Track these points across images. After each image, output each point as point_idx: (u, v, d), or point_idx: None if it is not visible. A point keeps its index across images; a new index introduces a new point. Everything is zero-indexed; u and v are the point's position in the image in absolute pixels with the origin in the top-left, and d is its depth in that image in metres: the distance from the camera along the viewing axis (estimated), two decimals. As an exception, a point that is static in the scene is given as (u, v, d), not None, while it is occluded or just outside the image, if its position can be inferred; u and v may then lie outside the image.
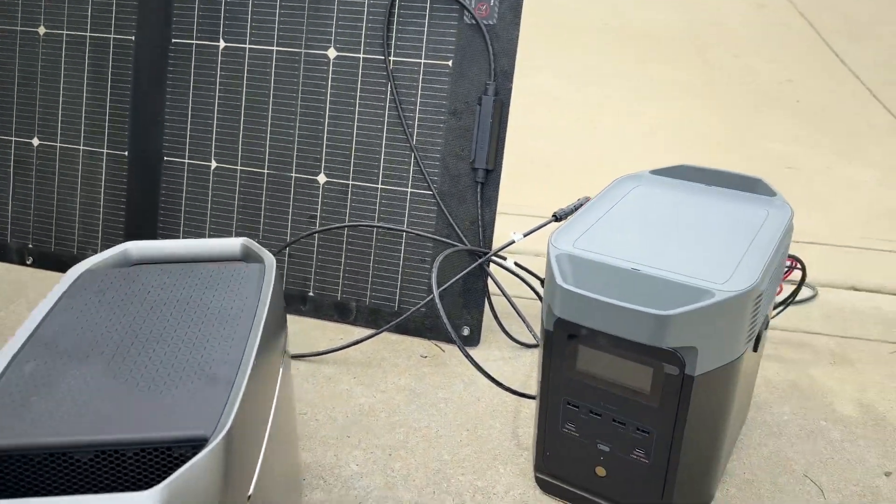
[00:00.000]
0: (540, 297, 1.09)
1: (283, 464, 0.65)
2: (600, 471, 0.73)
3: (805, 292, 1.16)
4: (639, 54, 2.63)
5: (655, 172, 0.86)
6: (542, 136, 1.87)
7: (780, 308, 1.06)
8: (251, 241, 0.70)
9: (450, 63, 1.00)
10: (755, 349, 0.72)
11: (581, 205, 1.03)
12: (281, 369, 0.64)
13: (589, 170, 1.66)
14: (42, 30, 1.14)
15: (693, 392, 0.64)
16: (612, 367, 0.67)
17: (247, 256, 0.70)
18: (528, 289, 1.08)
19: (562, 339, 0.69)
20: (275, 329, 0.62)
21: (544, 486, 0.78)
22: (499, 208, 1.44)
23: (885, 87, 2.30)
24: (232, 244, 0.70)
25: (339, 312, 1.07)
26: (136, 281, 0.62)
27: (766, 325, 0.75)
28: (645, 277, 0.64)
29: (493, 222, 1.01)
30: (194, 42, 1.08)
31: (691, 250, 0.68)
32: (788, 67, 2.48)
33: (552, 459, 0.76)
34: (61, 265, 1.16)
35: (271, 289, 0.62)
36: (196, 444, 0.46)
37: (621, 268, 0.65)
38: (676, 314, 0.59)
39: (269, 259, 0.67)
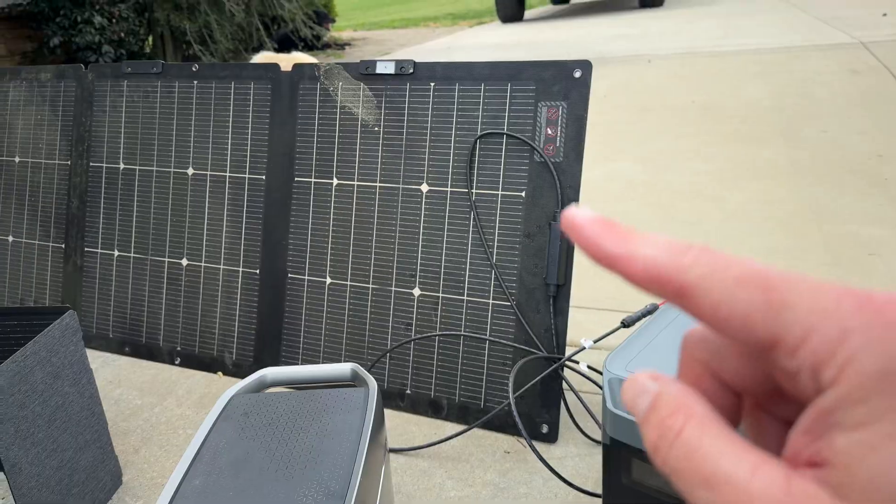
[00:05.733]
0: (613, 396, 1.20)
1: (384, 554, 0.80)
2: (657, 567, 0.82)
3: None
4: (723, 133, 2.70)
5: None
6: (624, 226, 1.98)
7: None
8: (358, 366, 0.87)
9: (523, 193, 1.16)
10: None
11: (649, 312, 1.15)
12: (382, 470, 0.80)
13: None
14: (191, 171, 1.40)
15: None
16: (662, 477, 0.78)
17: (355, 379, 0.87)
18: (600, 389, 1.19)
19: (618, 453, 0.81)
20: (377, 443, 0.77)
21: (610, 579, 0.88)
22: (580, 303, 1.57)
23: (984, 159, 2.25)
24: (343, 369, 0.87)
25: (433, 409, 1.22)
26: (271, 406, 0.80)
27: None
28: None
29: (566, 330, 1.14)
30: (313, 180, 1.30)
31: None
32: (878, 140, 2.48)
33: (615, 555, 0.86)
34: (204, 365, 1.39)
35: (373, 412, 0.78)
36: (319, 546, 0.61)
37: (663, 392, 0.77)
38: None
39: (373, 384, 0.83)
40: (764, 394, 0.22)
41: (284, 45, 6.77)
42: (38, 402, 0.95)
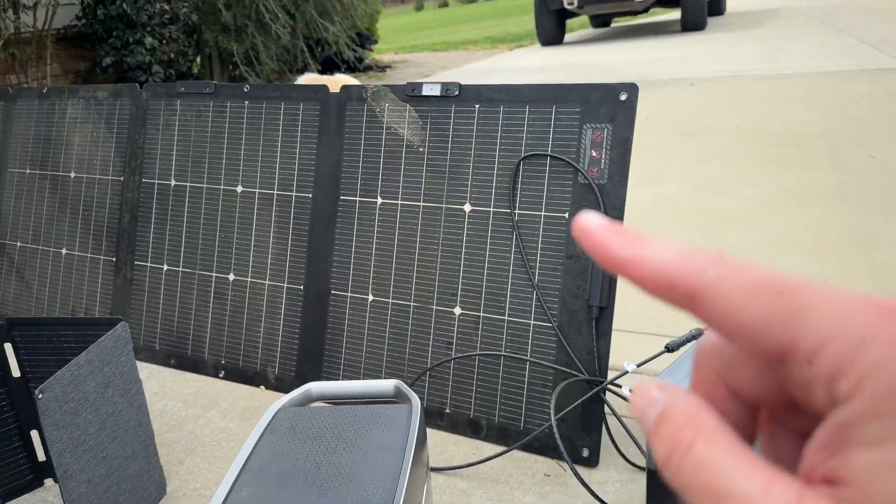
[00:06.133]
0: (655, 421, 1.19)
1: (425, 573, 0.80)
2: None
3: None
4: (768, 157, 2.67)
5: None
6: (666, 249, 1.96)
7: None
8: (401, 383, 0.88)
9: (566, 215, 1.16)
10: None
11: (694, 336, 1.14)
12: (424, 488, 0.80)
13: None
14: (240, 188, 1.44)
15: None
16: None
17: (398, 395, 0.88)
18: (644, 413, 1.18)
19: (663, 480, 0.80)
20: (419, 460, 0.78)
21: None
22: (623, 326, 1.56)
23: None
24: (387, 385, 0.88)
25: (472, 429, 1.22)
26: (316, 420, 0.81)
27: None
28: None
29: (608, 353, 1.13)
30: (357, 199, 1.32)
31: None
32: (932, 167, 2.42)
33: (658, 583, 0.85)
34: (247, 379, 1.41)
35: (417, 429, 0.78)
36: (363, 561, 0.62)
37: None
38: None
39: (416, 401, 0.84)
40: (779, 406, 0.21)
41: (328, 67, 6.89)
42: (89, 411, 0.97)
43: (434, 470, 1.14)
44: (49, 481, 1.21)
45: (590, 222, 0.22)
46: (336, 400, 0.91)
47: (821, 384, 0.18)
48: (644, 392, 0.21)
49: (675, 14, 8.67)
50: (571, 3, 6.94)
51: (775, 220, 2.09)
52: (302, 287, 1.36)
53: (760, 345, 0.19)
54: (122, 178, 1.58)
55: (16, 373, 1.16)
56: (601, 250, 0.21)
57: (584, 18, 9.11)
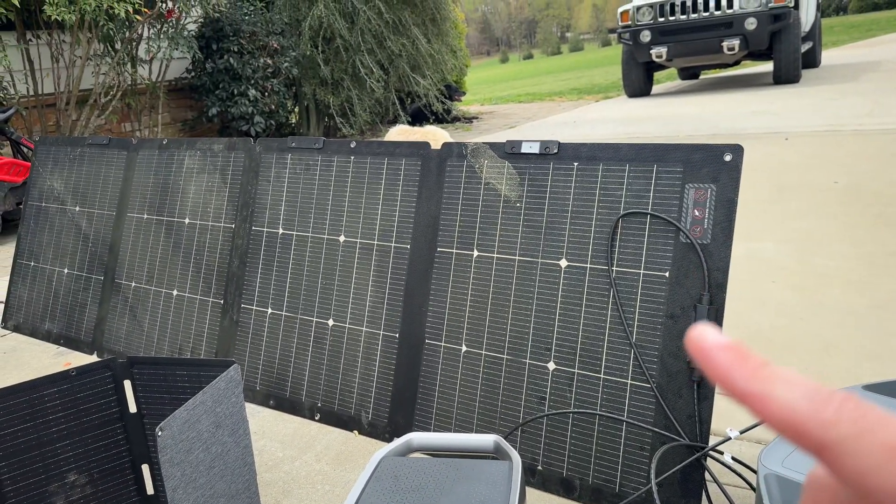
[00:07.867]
0: (753, 488, 1.14)
1: None
2: None
3: None
4: (869, 216, 2.55)
5: (868, 388, 0.92)
6: (765, 309, 1.90)
7: None
8: (502, 439, 0.88)
9: (667, 274, 1.15)
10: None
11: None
12: (523, 552, 0.80)
13: (816, 350, 1.66)
14: (342, 238, 1.50)
15: None
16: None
17: (498, 451, 0.88)
18: (745, 482, 1.13)
19: (771, 553, 0.77)
20: (521, 520, 0.78)
21: None
22: (718, 389, 1.51)
23: None
24: (487, 440, 0.89)
25: (564, 488, 1.20)
26: (419, 471, 0.83)
27: None
28: None
29: (710, 418, 1.11)
30: (454, 251, 1.35)
31: None
32: None
33: None
34: (342, 423, 1.44)
35: (518, 488, 0.79)
36: None
37: (827, 494, 0.73)
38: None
39: (517, 459, 0.84)
40: None
41: (417, 118, 7.11)
42: (201, 449, 1.03)
43: (526, 528, 1.13)
44: (155, 513, 1.26)
45: (708, 340, 0.21)
46: (435, 451, 0.92)
47: None
48: None
49: (766, 66, 8.50)
50: (660, 56, 6.93)
51: (879, 282, 2.00)
52: (397, 335, 1.40)
53: None
54: (233, 226, 1.67)
55: (133, 408, 1.23)
56: (722, 377, 0.20)
57: (672, 69, 9.06)
